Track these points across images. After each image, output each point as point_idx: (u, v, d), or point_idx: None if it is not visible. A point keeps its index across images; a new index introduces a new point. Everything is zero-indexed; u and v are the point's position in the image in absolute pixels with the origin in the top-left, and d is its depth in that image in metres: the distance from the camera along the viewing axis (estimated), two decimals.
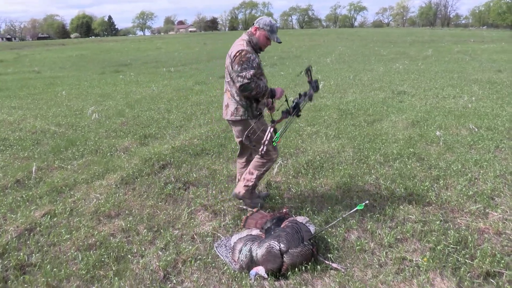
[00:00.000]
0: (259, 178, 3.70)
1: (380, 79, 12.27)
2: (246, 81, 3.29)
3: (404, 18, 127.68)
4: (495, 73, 12.97)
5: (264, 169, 3.65)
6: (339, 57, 20.87)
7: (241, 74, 3.30)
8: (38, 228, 3.53)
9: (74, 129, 6.97)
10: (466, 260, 2.88)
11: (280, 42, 3.51)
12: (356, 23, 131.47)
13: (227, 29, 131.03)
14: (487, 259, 2.84)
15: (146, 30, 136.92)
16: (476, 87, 10.06)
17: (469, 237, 3.14)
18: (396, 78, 12.36)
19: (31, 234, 3.43)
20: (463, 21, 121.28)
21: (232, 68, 3.39)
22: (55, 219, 3.68)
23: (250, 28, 3.57)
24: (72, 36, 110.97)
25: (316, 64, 17.66)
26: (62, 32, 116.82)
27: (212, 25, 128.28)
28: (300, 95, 3.55)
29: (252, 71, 3.30)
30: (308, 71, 3.56)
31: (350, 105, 8.37)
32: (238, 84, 3.32)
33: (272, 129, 3.44)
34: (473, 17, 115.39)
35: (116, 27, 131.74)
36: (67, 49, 40.83)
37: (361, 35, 48.61)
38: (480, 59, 18.03)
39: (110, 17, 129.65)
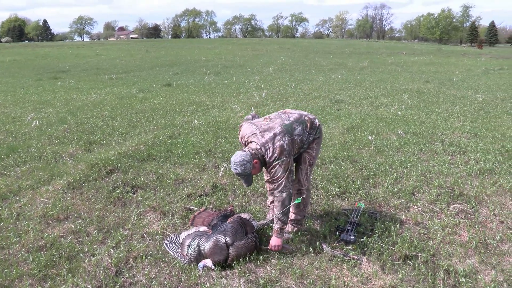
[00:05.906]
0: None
1: (319, 88, 12.88)
2: None
3: (343, 30, 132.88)
4: (423, 83, 14.06)
5: None
6: (281, 67, 21.53)
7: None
8: None
9: (14, 136, 6.82)
10: (389, 246, 3.28)
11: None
12: (297, 34, 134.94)
13: (170, 36, 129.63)
14: (406, 245, 3.26)
15: (84, 35, 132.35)
16: (406, 97, 10.89)
17: (392, 227, 3.56)
18: (335, 87, 13.05)
19: None
20: (396, 34, 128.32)
21: None
22: (1, 223, 3.71)
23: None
24: (3, 40, 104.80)
25: (259, 73, 18.15)
26: None
27: (154, 32, 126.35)
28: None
29: None
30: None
31: None
32: None
33: None
34: (406, 31, 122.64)
35: (51, 31, 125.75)
36: None
37: (302, 45, 50.17)
38: (411, 70, 19.39)
39: (45, 21, 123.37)
